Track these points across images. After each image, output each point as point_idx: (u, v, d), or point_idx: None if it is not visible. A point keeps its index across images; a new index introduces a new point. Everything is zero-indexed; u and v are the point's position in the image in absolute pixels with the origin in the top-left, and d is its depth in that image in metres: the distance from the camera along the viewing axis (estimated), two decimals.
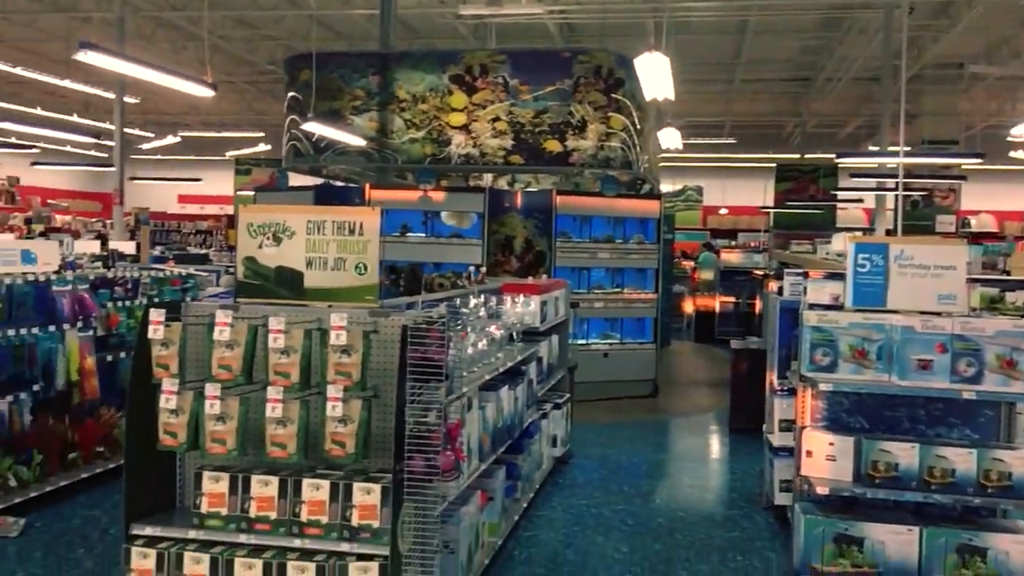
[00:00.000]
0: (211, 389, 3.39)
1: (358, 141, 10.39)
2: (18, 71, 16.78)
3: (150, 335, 3.46)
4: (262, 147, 26.54)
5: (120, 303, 7.08)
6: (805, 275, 5.76)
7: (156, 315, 3.45)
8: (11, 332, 5.89)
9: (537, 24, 15.71)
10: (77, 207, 30.37)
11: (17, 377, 5.96)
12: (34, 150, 20.79)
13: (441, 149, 10.65)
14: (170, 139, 25.43)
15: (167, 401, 3.43)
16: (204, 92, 8.35)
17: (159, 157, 30.84)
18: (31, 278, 6.15)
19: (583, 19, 15.79)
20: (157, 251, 13.43)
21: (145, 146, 26.09)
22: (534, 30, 16.28)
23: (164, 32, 19.20)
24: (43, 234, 16.81)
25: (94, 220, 23.44)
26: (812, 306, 5.06)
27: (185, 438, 3.46)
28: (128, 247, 11.40)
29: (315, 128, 9.80)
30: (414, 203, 10.30)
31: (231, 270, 9.73)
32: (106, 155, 29.12)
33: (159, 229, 21.11)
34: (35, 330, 6.09)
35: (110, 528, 5.58)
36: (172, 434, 3.46)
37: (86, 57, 6.26)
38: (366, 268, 3.73)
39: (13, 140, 25.91)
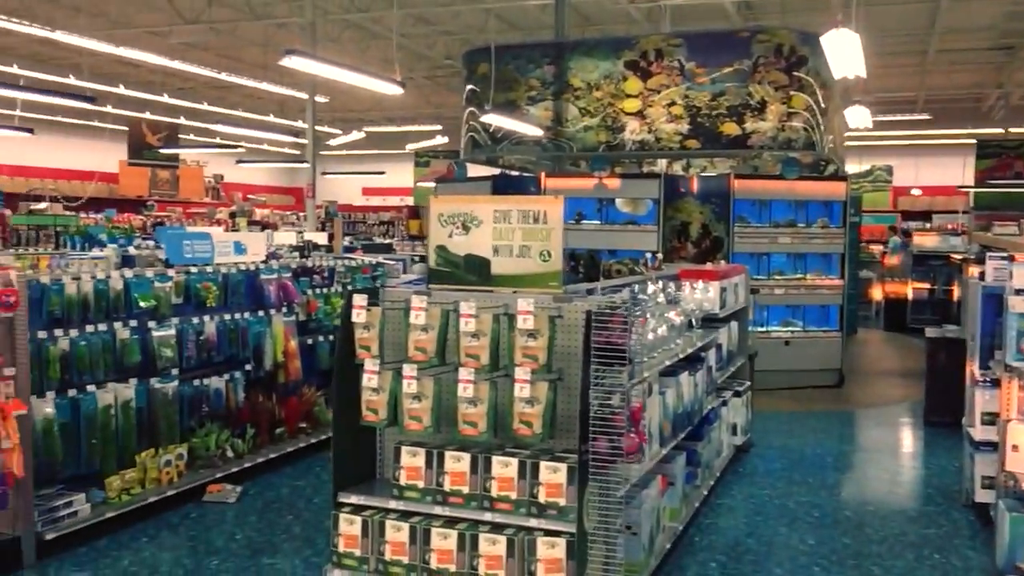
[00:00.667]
0: (408, 369, 3.62)
1: (534, 131, 10.57)
2: (223, 76, 18.25)
3: (353, 319, 3.74)
4: (439, 140, 27.47)
5: (318, 290, 7.61)
6: (1011, 259, 5.37)
7: (359, 300, 3.72)
8: (227, 316, 6.48)
9: (713, 5, 15.35)
10: (273, 201, 32.61)
11: (232, 358, 6.55)
12: (240, 149, 22.46)
13: (615, 136, 10.65)
14: (355, 135, 26.83)
15: (369, 380, 3.70)
16: (394, 90, 8.79)
17: (345, 152, 32.61)
18: (243, 267, 6.74)
19: None
20: (346, 241, 14.24)
21: (333, 142, 27.56)
22: (710, 11, 15.91)
23: (350, 33, 20.23)
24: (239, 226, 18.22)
25: (288, 213, 25.11)
26: (1019, 291, 4.72)
27: (385, 415, 3.72)
28: (321, 238, 12.18)
29: (493, 119, 10.05)
30: (589, 191, 10.39)
31: (416, 259, 10.21)
32: (298, 152, 31.14)
33: (346, 220, 22.33)
34: (246, 315, 6.67)
35: (314, 497, 6.05)
36: (374, 411, 3.73)
37: (291, 62, 6.76)
38: (550, 255, 3.85)
39: (217, 140, 28.15)
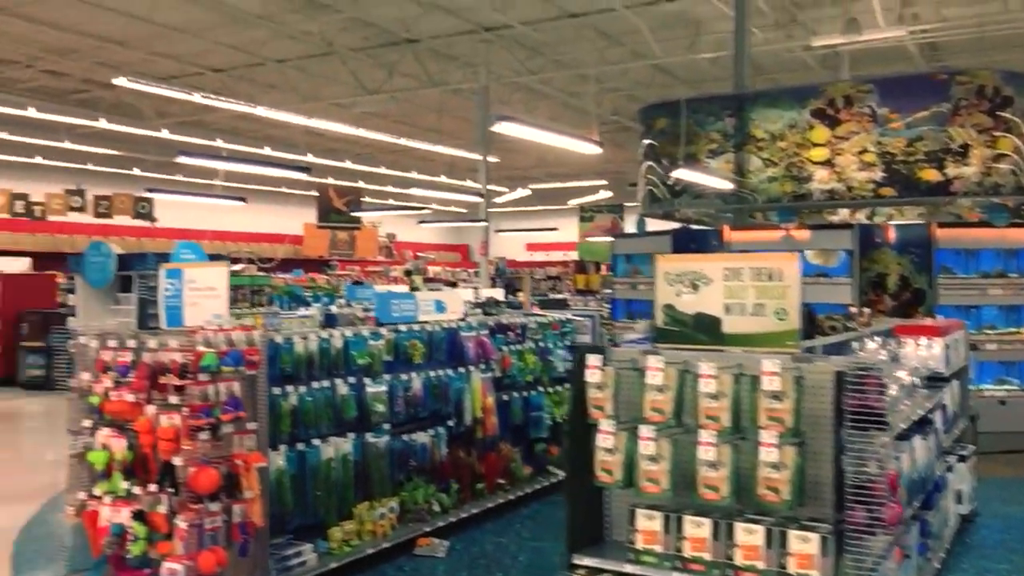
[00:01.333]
0: (645, 430, 3.59)
1: (720, 183, 10.45)
2: (402, 141, 19.19)
3: (587, 378, 3.75)
4: (603, 194, 27.66)
5: (512, 347, 7.73)
6: None
7: (593, 360, 3.74)
8: (431, 373, 6.68)
9: (895, 48, 14.80)
10: (441, 258, 33.72)
11: (435, 413, 6.72)
12: (426, 211, 23.37)
13: (801, 186, 10.37)
14: (521, 192, 27.45)
15: (603, 440, 3.69)
16: (592, 150, 8.93)
17: (510, 209, 33.37)
18: (444, 325, 6.95)
19: (951, 37, 14.57)
20: (520, 297, 14.46)
21: (499, 200, 28.24)
22: (891, 54, 15.34)
23: (520, 95, 20.85)
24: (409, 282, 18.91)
25: (459, 270, 25.84)
26: None
27: (620, 476, 3.69)
28: (498, 294, 12.45)
29: (682, 174, 10.00)
30: (775, 243, 10.10)
31: (602, 316, 10.19)
32: (464, 211, 32.13)
33: (513, 276, 22.74)
34: (448, 371, 6.85)
35: (519, 555, 6.07)
36: (608, 471, 3.71)
37: (501, 127, 7.02)
38: (786, 313, 3.74)
39: (390, 202, 29.47)
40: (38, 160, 21.70)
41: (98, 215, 16.94)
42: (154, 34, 16.53)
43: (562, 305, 13.75)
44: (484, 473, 7.03)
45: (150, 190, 17.97)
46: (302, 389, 5.53)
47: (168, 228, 23.19)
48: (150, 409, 4.90)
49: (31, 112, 17.04)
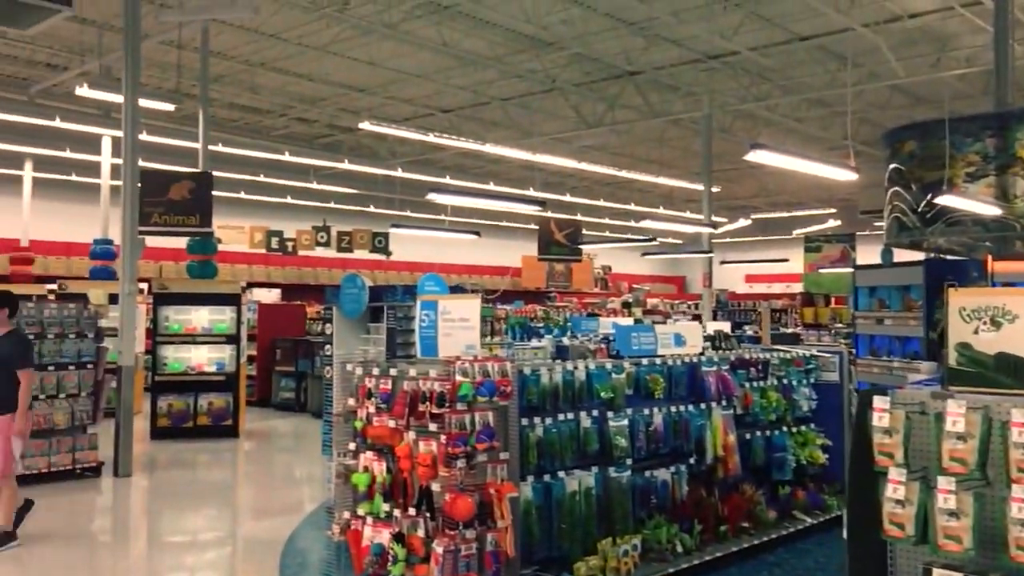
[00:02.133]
0: (943, 482, 3.25)
1: (980, 209, 9.55)
2: (623, 173, 19.20)
3: (874, 422, 3.46)
4: (831, 223, 26.28)
5: (753, 383, 7.40)
6: None
7: (881, 403, 3.45)
8: (672, 408, 6.51)
9: None
10: (656, 290, 33.34)
11: (675, 450, 6.54)
12: (654, 242, 23.24)
13: None
14: (742, 222, 26.65)
15: (893, 491, 3.37)
16: (847, 176, 8.51)
17: (729, 240, 32.48)
18: (685, 359, 6.76)
19: None
20: (750, 331, 13.95)
21: (720, 230, 27.59)
22: None
23: (741, 123, 20.29)
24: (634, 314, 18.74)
25: (677, 302, 25.40)
26: None
27: (913, 531, 3.35)
28: (723, 327, 12.03)
29: (950, 200, 9.23)
30: None
31: (850, 352, 9.56)
32: (680, 242, 31.61)
33: (735, 308, 22.01)
34: (688, 407, 6.65)
35: None
36: (898, 525, 3.38)
37: (755, 156, 6.83)
38: None
39: (607, 234, 29.53)
40: (289, 200, 23.76)
41: (340, 249, 18.26)
42: (391, 79, 17.66)
43: (793, 340, 13.10)
44: (727, 515, 6.73)
45: (394, 225, 19.16)
46: (547, 421, 5.55)
47: (400, 261, 24.55)
48: (409, 435, 5.09)
49: (285, 156, 18.65)
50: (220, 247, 16.09)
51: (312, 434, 13.72)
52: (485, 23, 14.36)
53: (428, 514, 4.99)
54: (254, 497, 9.95)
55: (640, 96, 17.67)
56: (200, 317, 12.95)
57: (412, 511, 5.04)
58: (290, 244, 18.22)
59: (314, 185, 22.59)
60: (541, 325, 10.81)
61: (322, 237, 18.05)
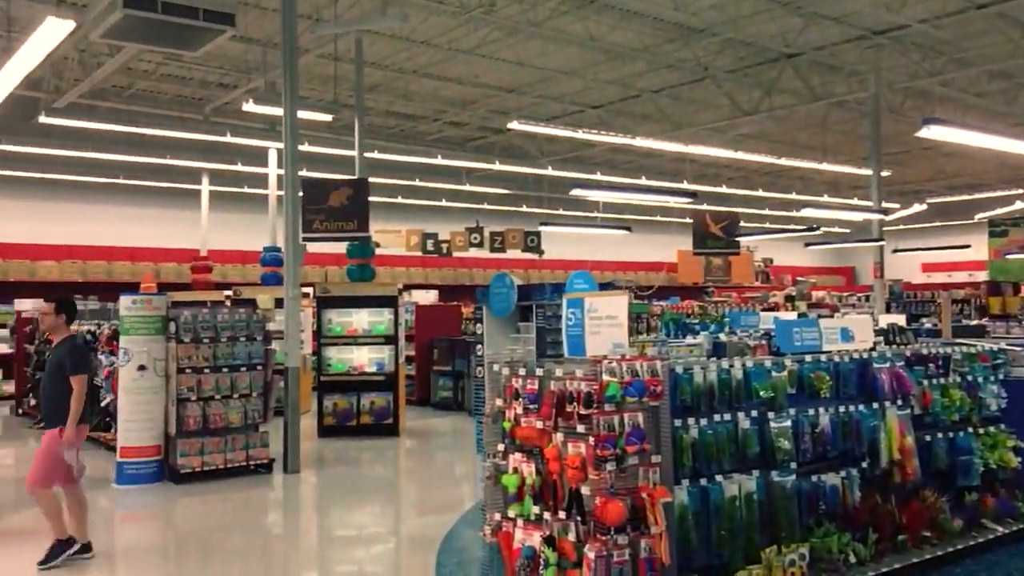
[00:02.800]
0: None
1: None
2: (782, 161, 18.36)
3: None
4: (1019, 205, 24.15)
5: (932, 381, 6.80)
6: None
7: None
8: (840, 408, 6.06)
9: None
10: (822, 282, 31.78)
11: (845, 453, 6.08)
12: (817, 231, 22.28)
13: None
14: (916, 207, 24.93)
15: None
16: None
17: (900, 227, 30.50)
18: (853, 355, 6.29)
19: None
20: (928, 324, 12.94)
21: (891, 217, 25.98)
22: None
23: (912, 101, 18.97)
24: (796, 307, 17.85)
25: (846, 294, 24.08)
26: None
27: None
28: (898, 319, 11.20)
29: None
30: None
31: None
32: (847, 231, 29.97)
33: (910, 300, 20.57)
34: (859, 407, 6.18)
35: None
36: None
37: (930, 133, 6.29)
38: None
39: (767, 225, 28.40)
40: (443, 203, 24.29)
41: (493, 250, 18.45)
42: (539, 78, 17.66)
43: (978, 332, 12.04)
44: (905, 523, 6.20)
45: (543, 223, 19.23)
46: (702, 422, 5.28)
47: (553, 260, 24.57)
48: (557, 436, 4.97)
49: (438, 159, 19.04)
50: (378, 251, 16.61)
51: (469, 432, 13.90)
52: (632, 14, 14.07)
53: (579, 518, 4.85)
54: (415, 494, 10.15)
55: (799, 79, 16.82)
56: (360, 319, 13.38)
57: (562, 514, 4.91)
58: (444, 246, 18.60)
59: (467, 187, 22.96)
60: (696, 321, 10.44)
61: (475, 238, 18.29)
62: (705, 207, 20.84)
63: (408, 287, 19.62)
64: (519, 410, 5.27)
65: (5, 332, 17.21)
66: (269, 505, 9.49)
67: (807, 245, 27.41)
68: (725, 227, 17.57)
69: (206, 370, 9.84)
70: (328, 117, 13.52)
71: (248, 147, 17.47)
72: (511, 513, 5.28)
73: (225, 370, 9.98)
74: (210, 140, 16.14)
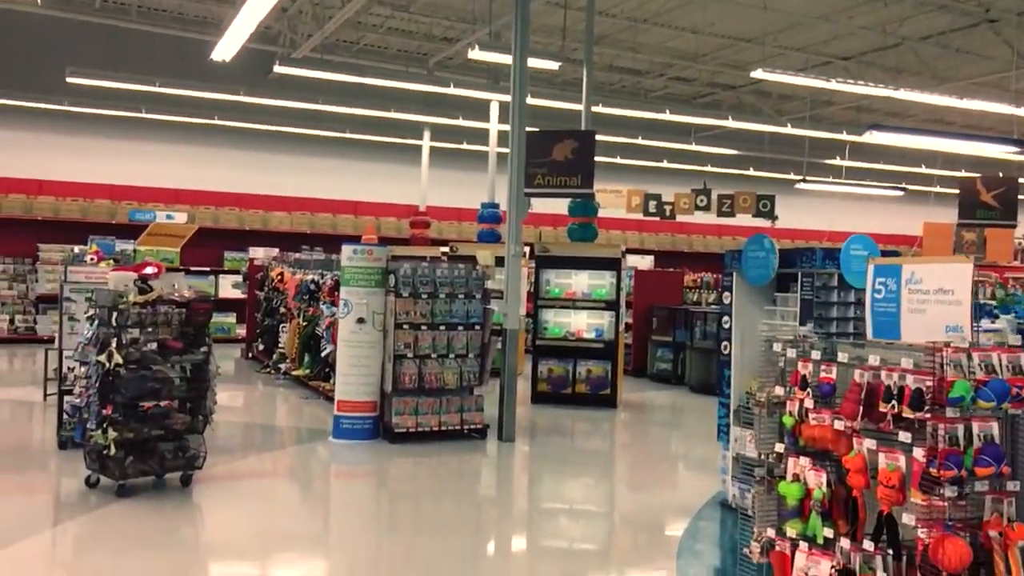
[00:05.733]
0: None
1: None
2: None
3: None
4: None
5: None
6: None
7: None
8: None
9: None
10: None
11: None
12: None
13: None
14: None
15: None
16: None
17: None
18: None
19: None
20: None
21: None
22: None
23: None
24: None
25: None
26: None
27: None
28: None
29: None
30: None
31: None
32: None
33: None
34: None
35: None
36: None
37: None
38: None
39: None
40: (665, 164, 23.00)
41: (720, 214, 17.01)
42: (785, 25, 15.95)
43: None
44: None
45: (804, 179, 17.43)
46: None
47: (783, 228, 22.65)
48: (865, 443, 3.84)
49: (666, 115, 17.81)
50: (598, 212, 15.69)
51: (691, 409, 12.82)
52: None
53: (891, 551, 3.71)
54: (641, 475, 9.24)
55: None
56: (580, 282, 12.58)
57: (868, 543, 3.80)
58: (668, 208, 17.38)
59: (692, 146, 21.50)
60: (996, 303, 8.69)
61: (701, 200, 16.91)
62: (974, 174, 18.24)
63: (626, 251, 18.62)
64: (808, 403, 4.18)
65: (238, 278, 17.96)
66: (483, 472, 8.95)
67: None
68: (1000, 195, 15.14)
69: (423, 327, 9.39)
70: (555, 65, 12.70)
71: (470, 100, 17.04)
72: (789, 531, 4.22)
73: (442, 328, 9.49)
74: (433, 92, 15.82)
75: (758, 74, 12.94)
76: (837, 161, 22.45)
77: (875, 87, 14.45)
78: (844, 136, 19.79)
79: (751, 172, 23.55)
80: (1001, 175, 18.12)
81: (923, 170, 23.86)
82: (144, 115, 18.18)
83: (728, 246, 24.40)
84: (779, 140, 21.52)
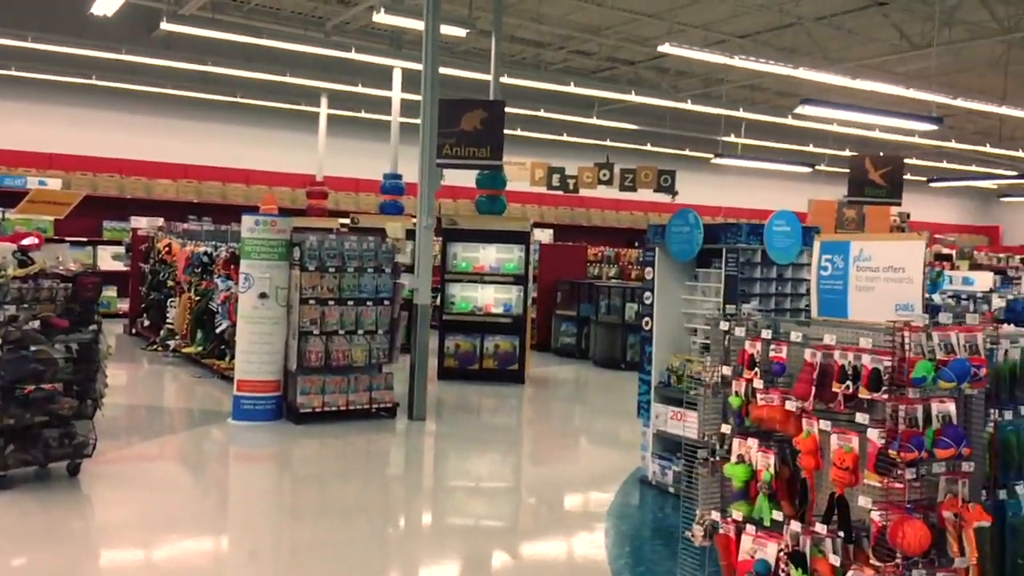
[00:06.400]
0: None
1: None
2: (956, 102, 16.29)
3: None
4: None
5: None
6: None
7: None
8: None
9: None
10: (962, 242, 29.27)
11: None
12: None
13: None
14: None
15: None
16: None
17: None
18: None
19: None
20: None
21: None
22: None
23: None
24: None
25: (1005, 255, 21.81)
26: None
27: None
28: None
29: None
30: None
31: None
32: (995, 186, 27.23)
33: None
34: None
35: None
36: None
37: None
38: None
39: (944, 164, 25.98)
40: (566, 137, 22.91)
41: (623, 188, 17.07)
42: (685, 2, 16.01)
43: None
44: None
45: (718, 155, 17.61)
46: (1007, 415, 3.97)
47: (682, 204, 23.01)
48: (817, 424, 3.76)
49: (570, 87, 17.66)
50: None
51: (595, 383, 12.83)
52: None
53: (842, 533, 3.65)
54: (556, 455, 9.10)
55: (985, 8, 14.69)
56: (488, 255, 12.34)
57: (819, 526, 3.72)
58: (571, 182, 17.32)
59: (594, 120, 21.49)
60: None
61: (604, 174, 16.93)
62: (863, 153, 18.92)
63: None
64: (757, 384, 4.08)
65: (120, 250, 16.88)
66: (392, 452, 8.65)
67: (1000, 197, 24.95)
68: (887, 174, 15.74)
69: (331, 302, 8.97)
70: (463, 32, 12.31)
71: (370, 66, 16.44)
72: (735, 513, 4.13)
73: (351, 303, 9.09)
74: (331, 56, 15.17)
75: (665, 48, 12.94)
76: (733, 139, 22.90)
77: (776, 65, 14.70)
78: (741, 113, 20.15)
79: (649, 147, 23.77)
80: (882, 154, 18.92)
81: (812, 148, 24.60)
82: (14, 72, 16.77)
83: (626, 221, 24.68)
84: (679, 116, 21.77)
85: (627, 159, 20.53)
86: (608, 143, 22.70)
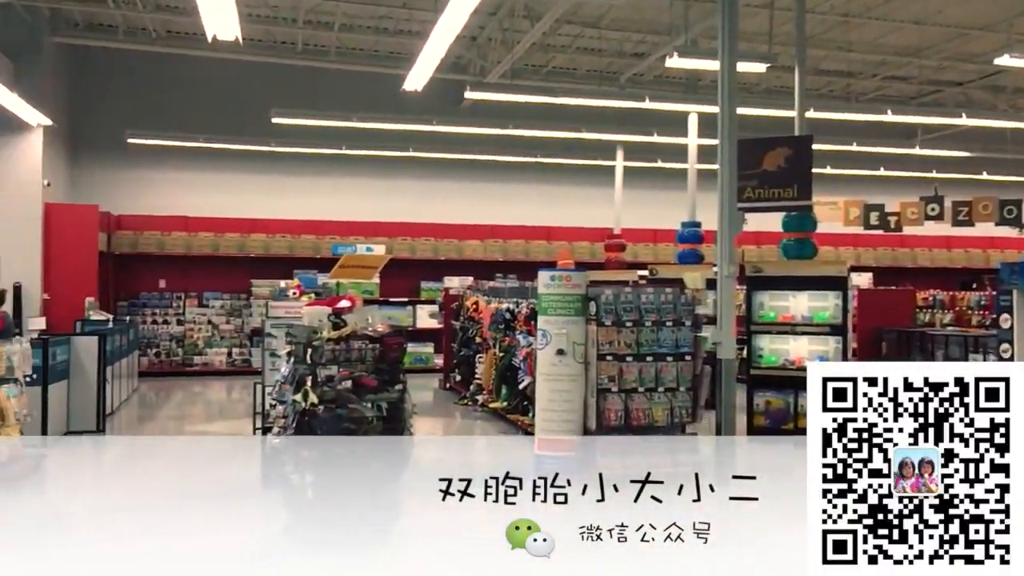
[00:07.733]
0: None
1: None
2: None
3: None
4: None
5: None
6: None
7: None
8: None
9: None
10: None
11: None
12: None
13: None
14: None
15: None
16: None
17: None
18: None
19: None
20: None
21: None
22: None
23: None
24: None
25: None
26: None
27: None
28: None
29: None
30: None
31: None
32: None
33: None
34: None
35: None
36: None
37: None
38: None
39: None
40: (882, 172, 21.02)
41: (956, 223, 15.09)
42: (1015, 11, 13.97)
43: None
44: None
45: None
46: None
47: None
48: None
49: (887, 116, 16.14)
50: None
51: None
52: None
53: None
54: None
55: None
56: (798, 304, 11.30)
57: None
58: (892, 220, 15.65)
59: (917, 150, 19.44)
60: None
61: (932, 209, 15.08)
62: None
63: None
64: None
65: (435, 308, 17.93)
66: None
67: None
68: None
69: (628, 358, 8.60)
70: (762, 68, 11.64)
71: (664, 114, 16.18)
72: None
73: (649, 359, 8.66)
74: (626, 108, 15.13)
75: (1003, 61, 11.25)
76: None
77: None
78: None
79: (983, 176, 21.03)
80: None
81: None
82: (344, 151, 18.67)
83: (960, 260, 21.94)
84: (1022, 138, 19.08)
85: (958, 190, 18.26)
86: (934, 174, 20.42)
